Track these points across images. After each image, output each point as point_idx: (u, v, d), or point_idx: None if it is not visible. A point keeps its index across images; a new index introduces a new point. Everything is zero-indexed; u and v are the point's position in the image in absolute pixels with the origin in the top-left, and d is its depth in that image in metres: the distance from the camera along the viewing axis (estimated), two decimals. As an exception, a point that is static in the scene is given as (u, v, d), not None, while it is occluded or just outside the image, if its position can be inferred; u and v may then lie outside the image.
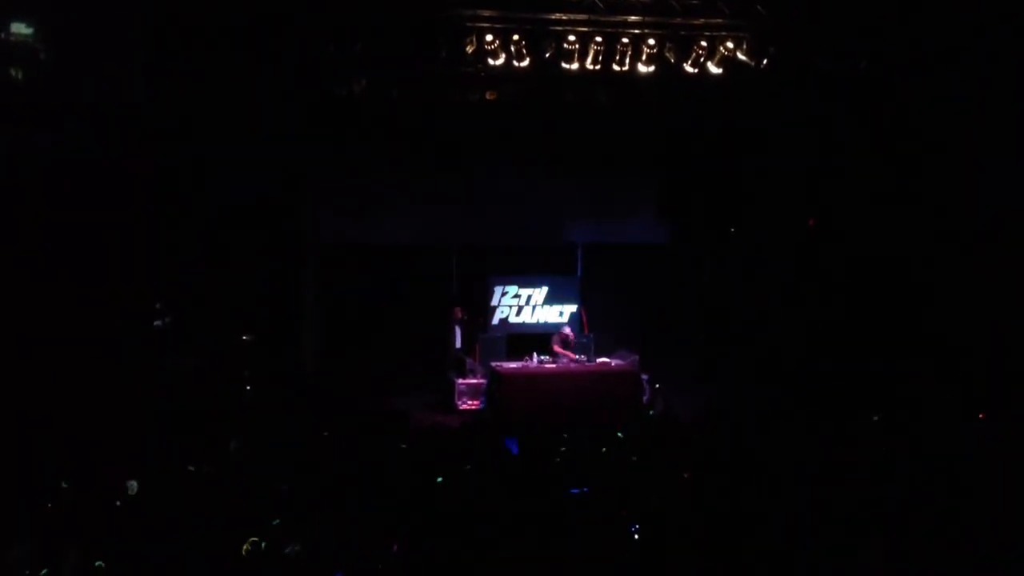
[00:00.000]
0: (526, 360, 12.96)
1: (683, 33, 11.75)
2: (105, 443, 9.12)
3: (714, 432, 9.91)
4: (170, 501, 7.28)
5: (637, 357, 13.19)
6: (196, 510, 7.02)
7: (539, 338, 13.70)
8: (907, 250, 13.30)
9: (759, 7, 11.69)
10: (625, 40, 11.62)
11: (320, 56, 11.28)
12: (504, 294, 14.51)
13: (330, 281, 14.06)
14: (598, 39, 11.58)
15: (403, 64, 11.62)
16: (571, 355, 13.10)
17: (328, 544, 6.42)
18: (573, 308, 14.68)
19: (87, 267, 10.62)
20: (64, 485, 7.40)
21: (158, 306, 11.72)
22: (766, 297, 14.50)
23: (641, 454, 8.56)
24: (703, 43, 11.73)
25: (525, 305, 14.60)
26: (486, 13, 11.36)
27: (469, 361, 13.63)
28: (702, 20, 11.71)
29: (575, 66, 11.77)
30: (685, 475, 7.78)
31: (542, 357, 12.96)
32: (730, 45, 11.76)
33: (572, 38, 11.53)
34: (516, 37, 11.44)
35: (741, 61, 11.90)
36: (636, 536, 6.54)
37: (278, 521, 6.51)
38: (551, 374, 12.74)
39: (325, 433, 9.08)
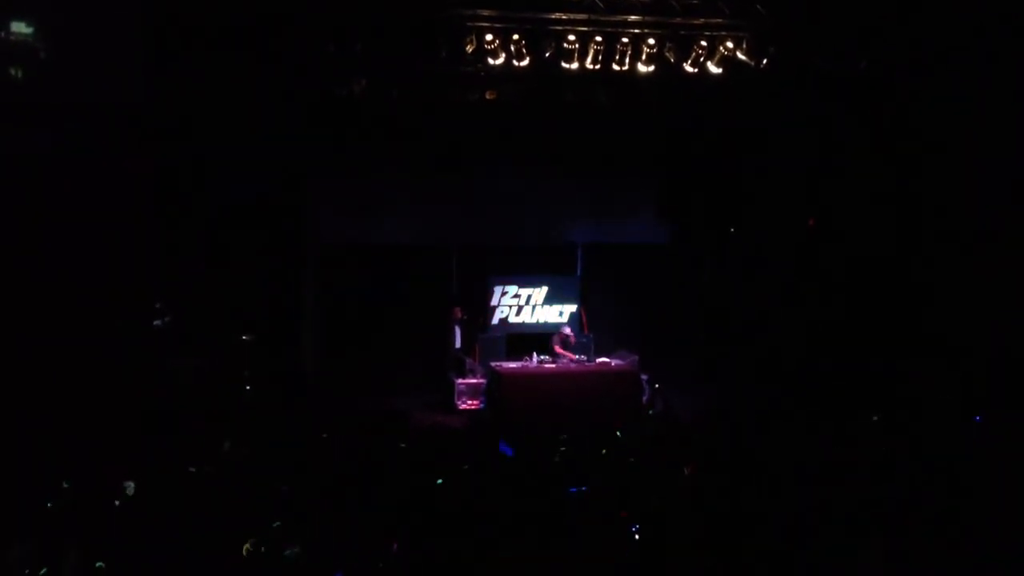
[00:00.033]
0: (526, 360, 12.96)
1: (683, 33, 11.75)
2: (105, 443, 9.12)
3: (714, 432, 9.92)
4: (170, 501, 7.28)
5: (637, 357, 13.19)
6: (196, 510, 7.02)
7: (539, 338, 13.70)
8: (907, 250, 13.30)
9: (759, 7, 11.69)
10: (625, 40, 11.62)
11: (320, 56, 11.28)
12: (504, 294, 14.51)
13: (330, 281, 14.06)
14: (598, 39, 11.58)
15: (403, 64, 11.62)
16: (571, 355, 13.10)
17: (328, 544, 6.42)
18: (573, 308, 14.68)
19: (87, 267, 10.62)
20: (65, 485, 7.39)
21: (158, 306, 11.72)
22: (766, 297, 14.50)
23: (641, 454, 8.56)
24: (703, 43, 11.73)
25: (525, 305, 14.60)
26: (486, 13, 11.36)
27: (469, 361, 13.62)
28: (702, 20, 11.71)
29: (575, 66, 11.78)
30: (686, 470, 7.78)
31: (542, 357, 12.96)
32: (730, 45, 11.76)
33: (572, 38, 11.52)
34: (516, 37, 11.44)
35: (741, 61, 11.91)
36: (636, 536, 6.54)
37: (278, 524, 6.50)
38: (551, 374, 12.74)
39: (324, 435, 9.06)
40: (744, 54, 11.88)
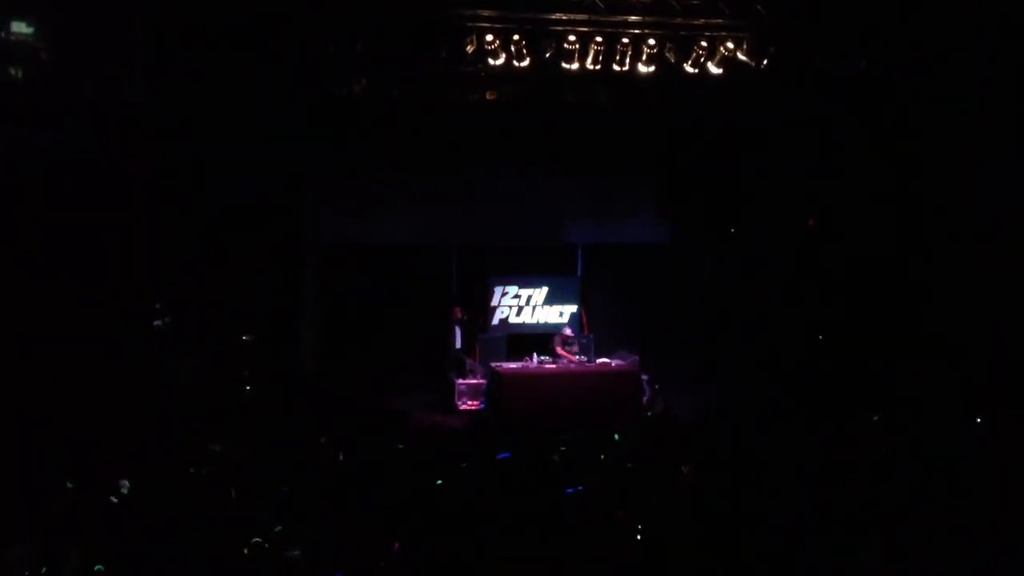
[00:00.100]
0: (526, 360, 12.96)
1: (683, 33, 11.76)
2: (105, 443, 9.11)
3: (714, 432, 9.91)
4: (170, 501, 7.28)
5: (637, 357, 13.19)
6: (196, 510, 7.02)
7: (539, 338, 13.70)
8: (907, 250, 13.30)
9: (759, 7, 11.70)
10: (625, 40, 11.62)
11: (320, 56, 11.28)
12: (504, 294, 14.51)
13: (330, 281, 14.05)
14: (598, 39, 11.58)
15: (403, 64, 11.62)
16: (572, 356, 13.09)
17: (328, 544, 6.42)
18: (573, 308, 14.67)
19: (87, 267, 10.62)
20: (68, 485, 7.40)
21: (158, 306, 11.72)
22: (766, 297, 14.50)
23: (640, 455, 8.56)
24: (703, 43, 11.73)
25: (525, 305, 14.60)
26: (486, 13, 11.36)
27: (469, 361, 13.62)
28: (702, 20, 11.72)
29: (575, 66, 11.78)
30: (684, 469, 7.78)
31: (542, 357, 12.96)
32: (730, 45, 11.77)
33: (572, 38, 11.53)
34: (516, 37, 11.44)
35: (741, 61, 11.91)
36: (637, 536, 6.54)
37: (279, 528, 6.49)
38: (551, 374, 12.74)
39: (324, 438, 9.06)
40: (744, 54, 11.88)
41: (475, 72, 11.96)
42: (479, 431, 10.95)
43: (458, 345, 13.69)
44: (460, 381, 13.21)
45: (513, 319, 14.51)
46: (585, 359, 13.11)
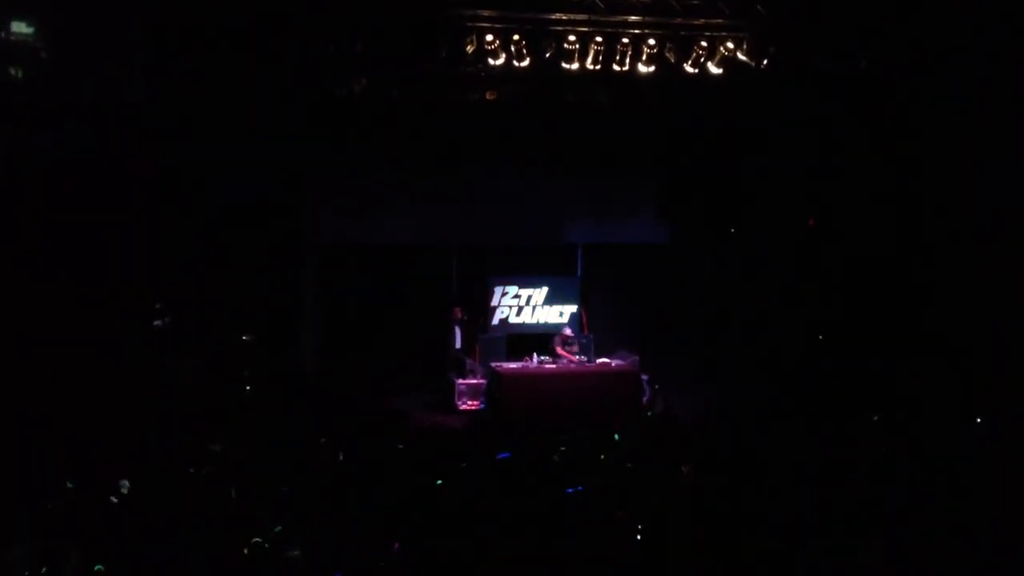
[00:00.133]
0: (526, 360, 12.96)
1: (683, 33, 11.76)
2: (105, 443, 9.12)
3: (714, 432, 9.91)
4: (170, 502, 7.28)
5: (637, 357, 13.19)
6: (196, 510, 7.02)
7: (539, 338, 13.70)
8: (907, 250, 13.29)
9: (759, 7, 11.70)
10: (625, 40, 11.62)
11: (320, 56, 11.28)
12: (504, 294, 14.51)
13: (330, 281, 14.05)
14: (598, 39, 11.58)
15: (403, 64, 11.62)
16: (572, 356, 13.08)
17: (328, 544, 6.42)
18: (573, 308, 14.67)
19: (87, 267, 10.62)
20: (69, 485, 7.40)
21: (158, 306, 11.72)
22: (766, 297, 14.50)
23: (641, 455, 8.55)
24: (703, 43, 11.73)
25: (525, 305, 14.60)
26: (486, 13, 11.36)
27: (469, 361, 13.62)
28: (702, 20, 11.72)
29: (575, 66, 11.77)
30: (685, 469, 7.78)
31: (542, 357, 12.96)
32: (730, 45, 11.76)
33: (572, 38, 11.52)
34: (516, 37, 11.44)
35: (741, 61, 11.91)
36: (637, 536, 6.54)
37: (280, 528, 6.49)
38: (551, 374, 12.74)
39: (324, 439, 9.05)
40: (744, 54, 11.88)
41: (475, 72, 11.95)
42: (479, 431, 10.94)
43: (458, 345, 13.69)
44: (460, 381, 13.21)
45: (513, 319, 14.51)
46: (585, 359, 13.11)
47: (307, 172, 13.47)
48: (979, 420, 9.81)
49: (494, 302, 14.47)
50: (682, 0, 11.58)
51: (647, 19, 11.63)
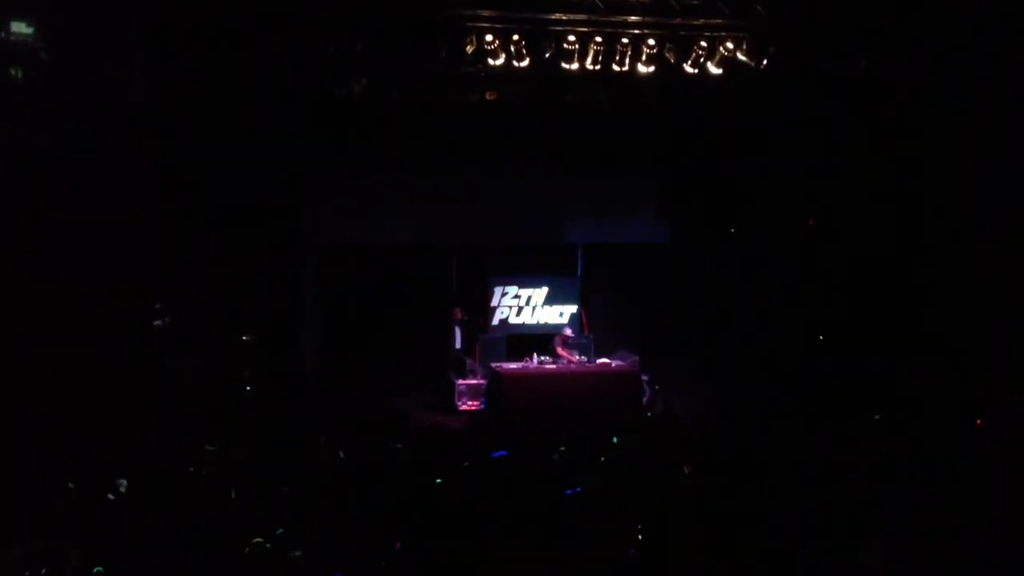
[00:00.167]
0: (526, 361, 12.96)
1: (683, 33, 11.77)
2: (105, 443, 9.12)
3: (714, 432, 9.91)
4: (170, 501, 7.28)
5: (637, 358, 13.19)
6: (196, 510, 7.02)
7: (539, 339, 13.70)
8: (907, 250, 13.30)
9: (759, 7, 11.70)
10: (625, 40, 11.63)
11: (320, 56, 11.29)
12: (504, 295, 14.50)
13: (330, 281, 14.05)
14: (598, 39, 11.59)
15: (403, 64, 11.63)
16: (572, 357, 13.08)
17: (328, 544, 6.42)
18: (573, 309, 14.66)
19: (87, 267, 10.62)
20: (70, 485, 7.40)
21: (158, 306, 11.72)
22: (766, 297, 14.50)
23: (641, 455, 8.55)
24: (703, 43, 11.73)
25: (525, 306, 14.59)
26: (486, 13, 11.37)
27: (469, 362, 13.62)
28: (702, 20, 11.73)
29: (575, 66, 11.78)
30: (686, 469, 7.78)
31: (542, 358, 12.96)
32: (730, 45, 11.77)
33: (572, 38, 11.53)
34: (516, 37, 11.45)
35: (741, 61, 11.91)
36: (637, 536, 6.54)
37: (281, 530, 6.49)
38: (551, 375, 12.74)
39: (323, 439, 9.05)
40: (744, 55, 11.89)
41: (475, 72, 11.96)
42: (479, 432, 10.94)
43: (458, 345, 13.69)
44: (460, 381, 13.21)
45: (513, 319, 14.51)
46: (585, 359, 13.11)
47: (307, 172, 13.47)
48: (979, 421, 9.80)
49: (494, 302, 14.47)
50: (682, 0, 11.59)
51: (647, 19, 11.64)
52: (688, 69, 11.90)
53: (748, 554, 6.23)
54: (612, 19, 11.59)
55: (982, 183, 12.29)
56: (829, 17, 11.80)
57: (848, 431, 9.34)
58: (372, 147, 13.51)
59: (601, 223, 14.93)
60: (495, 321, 14.43)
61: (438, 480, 7.53)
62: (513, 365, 12.95)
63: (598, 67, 11.78)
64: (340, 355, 13.80)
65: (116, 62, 10.47)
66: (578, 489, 7.31)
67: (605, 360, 13.15)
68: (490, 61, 11.61)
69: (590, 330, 14.32)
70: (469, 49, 11.46)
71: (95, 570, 5.97)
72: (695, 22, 11.71)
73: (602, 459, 8.46)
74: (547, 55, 11.64)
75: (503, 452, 8.40)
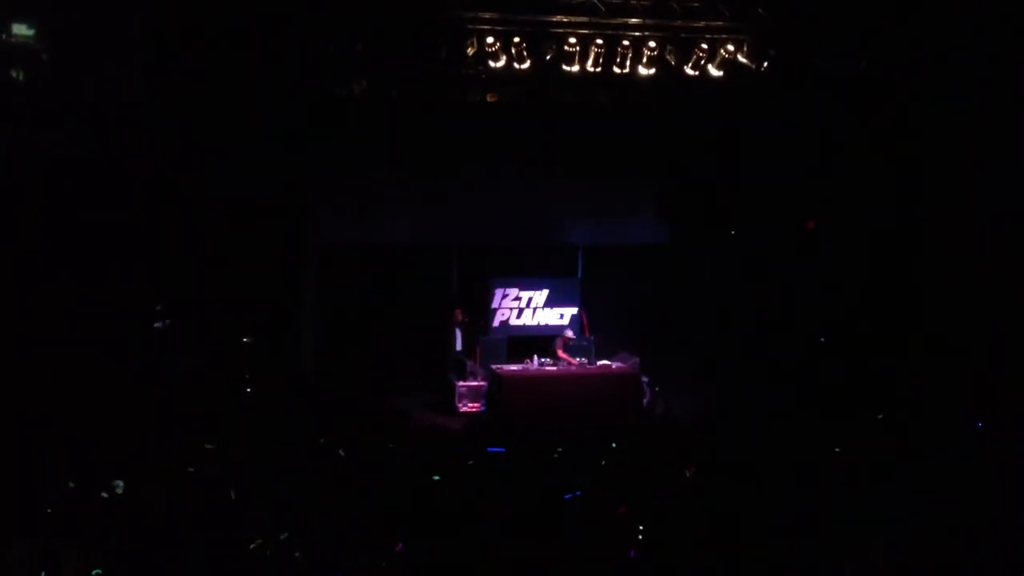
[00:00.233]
0: (526, 363, 12.96)
1: (684, 35, 11.79)
2: (106, 443, 9.12)
3: (714, 432, 9.90)
4: (170, 502, 7.27)
5: (637, 359, 13.18)
6: (196, 511, 7.01)
7: (539, 340, 13.69)
8: (907, 250, 13.29)
9: (760, 9, 11.71)
10: (626, 42, 11.64)
11: (320, 56, 11.29)
12: (504, 296, 14.49)
13: (330, 281, 14.03)
14: (599, 41, 11.59)
15: (403, 64, 11.63)
16: (572, 360, 13.08)
17: (328, 544, 6.42)
18: (574, 311, 14.64)
19: (87, 267, 10.62)
20: (71, 485, 7.40)
21: (158, 307, 11.71)
22: (766, 297, 14.49)
23: (640, 457, 8.55)
24: (704, 45, 11.75)
25: (526, 307, 14.58)
26: (487, 15, 11.37)
27: (469, 363, 13.60)
28: (703, 23, 11.75)
29: (576, 68, 11.77)
30: (688, 472, 7.77)
31: (543, 360, 12.95)
32: (731, 47, 11.79)
33: (573, 40, 11.54)
34: (517, 39, 11.44)
35: (742, 63, 11.91)
36: (637, 536, 6.54)
37: (285, 534, 6.49)
38: (551, 377, 12.73)
39: (323, 439, 9.05)
40: (745, 57, 11.90)
41: (476, 74, 11.96)
42: (479, 434, 10.93)
43: (458, 347, 13.68)
44: (460, 383, 13.20)
45: (514, 321, 14.49)
46: (586, 361, 13.11)
47: (307, 172, 13.46)
48: (980, 423, 9.80)
49: (495, 304, 14.46)
50: (683, 2, 11.60)
51: (647, 21, 11.66)
52: (689, 71, 11.90)
53: (748, 554, 6.23)
54: (613, 21, 11.61)
55: (982, 183, 12.29)
56: (829, 17, 11.81)
57: (848, 431, 9.33)
58: (372, 147, 13.49)
59: (601, 223, 14.91)
60: (495, 323, 14.42)
61: (436, 477, 7.52)
62: (513, 367, 12.94)
63: (599, 69, 11.78)
64: (340, 355, 13.78)
65: (116, 62, 10.48)
66: (577, 493, 7.32)
67: (605, 362, 13.15)
68: (491, 63, 11.61)
69: (591, 331, 14.31)
70: (470, 51, 11.47)
71: (94, 572, 5.97)
72: (696, 24, 11.73)
73: (602, 463, 8.46)
74: (548, 57, 11.64)
75: (500, 449, 8.41)
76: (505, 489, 7.44)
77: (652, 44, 11.64)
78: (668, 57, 11.82)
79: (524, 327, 14.45)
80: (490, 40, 11.36)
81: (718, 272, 15.11)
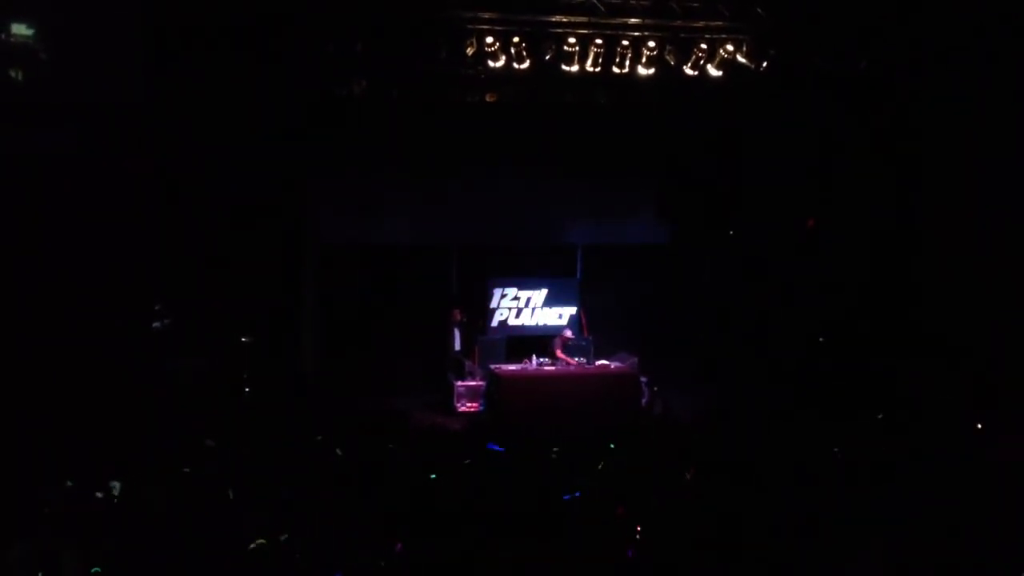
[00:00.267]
0: (525, 363, 12.96)
1: (683, 35, 11.78)
2: (105, 443, 9.12)
3: (714, 432, 9.91)
4: (169, 502, 7.27)
5: (637, 359, 13.18)
6: (196, 511, 7.01)
7: (538, 340, 13.69)
8: (907, 250, 13.29)
9: (759, 9, 11.71)
10: (625, 42, 11.64)
11: (320, 56, 11.29)
12: (503, 296, 14.48)
13: (330, 281, 14.04)
14: (598, 41, 11.59)
15: (403, 64, 11.63)
16: (570, 359, 13.08)
17: (328, 544, 6.42)
18: (572, 310, 14.64)
19: (87, 267, 10.62)
20: (69, 484, 7.40)
21: (158, 307, 11.71)
22: (766, 297, 14.49)
23: (640, 457, 8.55)
24: (703, 45, 11.73)
25: (524, 307, 14.57)
26: (486, 15, 11.37)
27: (468, 363, 13.60)
28: (702, 22, 11.74)
29: (575, 68, 11.77)
30: (687, 475, 7.77)
31: (541, 359, 12.95)
32: (730, 47, 11.78)
33: (572, 40, 11.53)
34: (516, 39, 11.44)
35: (741, 63, 11.91)
36: (637, 536, 6.54)
37: (286, 536, 6.49)
38: (550, 377, 12.73)
39: (320, 438, 9.05)
40: (744, 57, 11.89)
41: (475, 74, 11.96)
42: (478, 433, 10.93)
43: (457, 347, 13.68)
44: (459, 383, 13.20)
45: (512, 321, 14.49)
46: (584, 361, 13.11)
47: (307, 172, 13.46)
48: (979, 424, 9.80)
49: (493, 304, 14.45)
50: (682, 2, 11.59)
51: (647, 21, 11.65)
52: (688, 71, 11.90)
53: (748, 554, 6.23)
54: (612, 21, 11.60)
55: (982, 183, 12.29)
56: (829, 17, 11.80)
57: (848, 431, 9.34)
58: (372, 147, 13.50)
59: (601, 223, 14.92)
60: (494, 323, 14.42)
61: (433, 476, 7.52)
62: (512, 367, 12.94)
63: (598, 69, 11.78)
64: (340, 355, 13.79)
65: (116, 62, 10.48)
66: (576, 494, 7.32)
67: (604, 362, 13.15)
68: (490, 63, 11.60)
69: (590, 331, 14.31)
70: (469, 51, 11.46)
71: (93, 571, 5.97)
72: (695, 24, 11.72)
73: (600, 466, 8.45)
74: (547, 57, 11.64)
75: (500, 448, 8.41)
76: (504, 489, 7.44)
77: (651, 44, 11.63)
78: (667, 57, 11.81)
79: (523, 327, 14.45)
80: (490, 40, 11.36)
81: (718, 272, 15.11)
